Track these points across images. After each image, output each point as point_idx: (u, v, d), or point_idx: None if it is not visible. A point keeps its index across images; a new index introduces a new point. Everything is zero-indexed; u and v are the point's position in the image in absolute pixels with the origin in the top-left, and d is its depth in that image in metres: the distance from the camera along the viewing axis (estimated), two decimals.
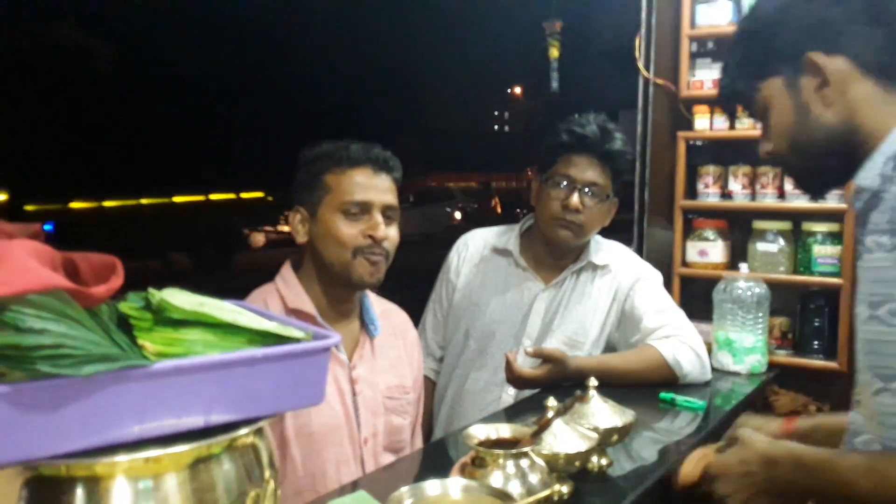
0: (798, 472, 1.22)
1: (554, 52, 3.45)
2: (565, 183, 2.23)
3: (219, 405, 0.87)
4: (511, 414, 1.97)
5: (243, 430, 0.90)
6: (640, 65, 3.08)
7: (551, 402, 1.48)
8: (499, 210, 20.35)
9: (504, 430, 1.41)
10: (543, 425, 1.43)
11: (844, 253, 2.70)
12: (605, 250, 2.39)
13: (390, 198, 1.80)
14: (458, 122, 25.78)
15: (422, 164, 25.35)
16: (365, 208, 1.76)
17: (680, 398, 2.10)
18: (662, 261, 2.89)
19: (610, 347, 2.37)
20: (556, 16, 3.39)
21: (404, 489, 1.16)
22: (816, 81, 1.19)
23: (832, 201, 2.74)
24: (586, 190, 2.22)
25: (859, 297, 1.18)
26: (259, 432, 0.95)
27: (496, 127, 30.68)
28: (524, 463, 1.31)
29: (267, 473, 0.95)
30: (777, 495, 1.26)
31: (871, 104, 1.17)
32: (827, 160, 1.22)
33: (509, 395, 2.26)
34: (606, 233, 2.40)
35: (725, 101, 1.39)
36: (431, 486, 1.17)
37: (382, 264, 1.80)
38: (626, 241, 2.69)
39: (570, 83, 3.59)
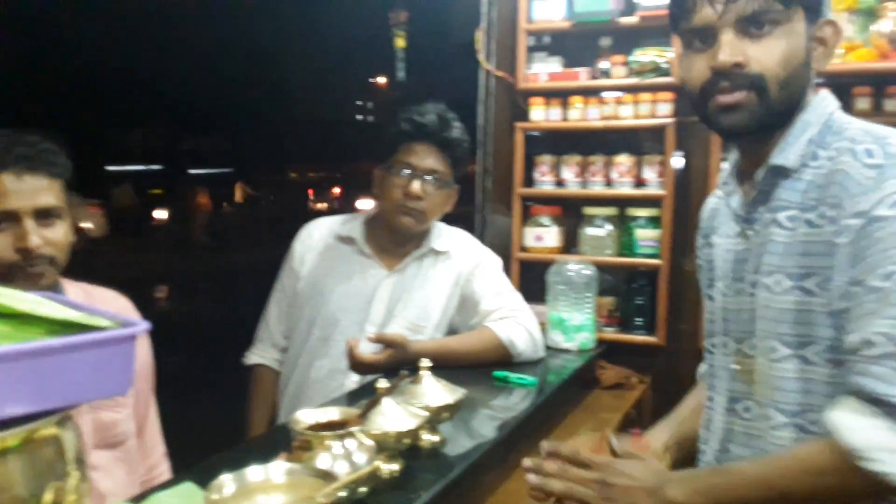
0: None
1: (400, 42, 3.48)
2: (406, 171, 2.25)
3: (13, 398, 0.83)
4: (352, 399, 1.98)
5: (41, 422, 0.87)
6: (482, 57, 3.15)
7: (381, 383, 1.50)
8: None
9: (333, 414, 1.42)
10: (370, 405, 1.45)
11: (663, 236, 2.89)
12: (446, 237, 2.43)
13: (45, 198, 1.54)
14: (319, 111, 25.37)
15: (282, 155, 24.84)
16: (11, 217, 1.51)
17: (513, 376, 2.18)
18: (502, 246, 2.98)
19: (452, 330, 2.41)
20: (402, 6, 3.41)
21: (226, 476, 1.15)
22: (821, 40, 1.18)
23: (652, 188, 2.92)
24: (427, 177, 2.25)
25: (766, 269, 1.19)
26: (63, 423, 0.92)
27: (359, 116, 30.47)
28: (350, 444, 1.32)
29: (70, 467, 0.92)
30: None
31: (809, 86, 1.21)
32: (784, 110, 1.18)
33: (353, 381, 2.26)
34: (451, 219, 2.45)
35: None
36: (254, 472, 1.17)
37: (47, 273, 1.56)
38: (469, 228, 2.75)
39: (423, 72, 3.62)
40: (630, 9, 2.96)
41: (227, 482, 1.14)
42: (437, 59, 3.65)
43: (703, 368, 1.55)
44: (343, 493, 1.21)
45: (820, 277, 1.13)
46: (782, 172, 1.20)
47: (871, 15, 2.61)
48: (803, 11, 1.14)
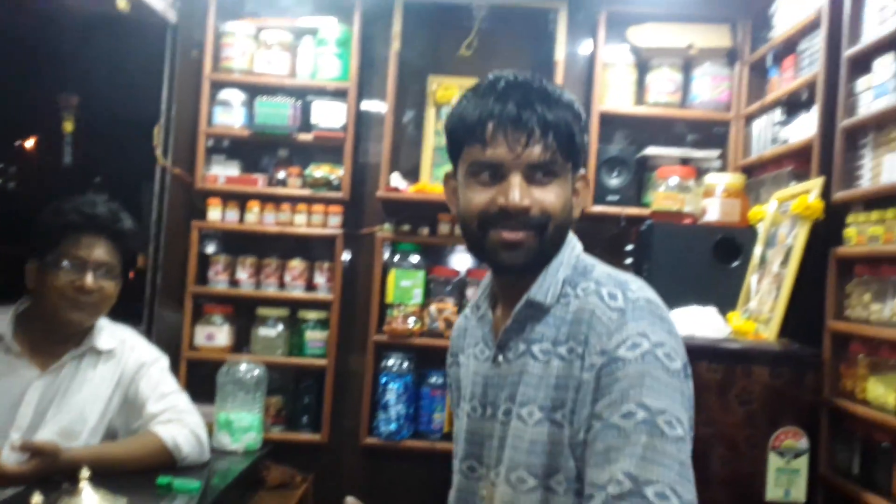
0: None
1: (68, 126, 3.31)
2: (75, 263, 2.11)
3: None
4: None
5: None
6: (159, 153, 3.11)
7: (36, 498, 1.39)
8: None
9: None
10: None
11: (330, 337, 3.03)
12: (109, 334, 2.30)
13: None
14: None
15: None
16: None
17: (177, 481, 2.10)
18: (172, 343, 2.89)
19: (111, 433, 2.27)
20: (74, 90, 3.26)
21: None
22: (579, 190, 1.25)
23: (322, 292, 3.07)
24: (99, 270, 2.14)
25: (521, 399, 1.20)
26: None
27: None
28: None
29: None
30: None
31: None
32: (553, 249, 1.23)
33: None
34: (117, 314, 2.33)
35: (526, 142, 1.19)
36: None
37: None
38: (137, 324, 2.64)
39: (90, 157, 3.45)
40: (307, 127, 3.15)
41: None
42: (111, 146, 3.51)
43: (451, 496, 1.42)
44: None
45: (567, 410, 1.15)
46: (538, 307, 1.22)
47: None
48: (571, 165, 1.22)
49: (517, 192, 1.16)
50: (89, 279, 2.10)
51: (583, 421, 1.12)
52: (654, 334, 1.10)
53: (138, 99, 3.27)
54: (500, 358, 1.26)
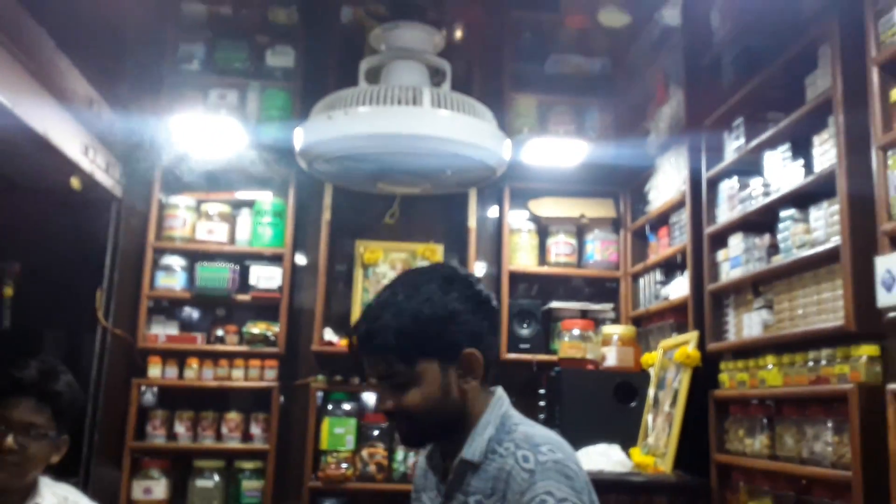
0: None
1: (8, 292, 3.39)
2: (1, 425, 2.15)
3: None
4: None
5: None
6: (100, 315, 3.23)
7: None
8: None
9: None
10: None
11: (266, 486, 3.12)
12: (52, 493, 2.32)
13: None
14: None
15: None
16: None
17: None
18: (109, 499, 2.91)
19: None
20: (16, 257, 3.39)
21: None
22: (464, 371, 1.37)
23: (258, 442, 3.18)
24: (24, 431, 2.17)
25: None
26: None
27: None
28: None
29: None
30: None
31: (476, 394, 1.39)
32: (443, 427, 1.38)
33: None
34: (56, 471, 2.35)
35: (366, 356, 1.39)
36: None
37: None
38: (73, 480, 2.65)
39: (30, 320, 3.51)
40: (245, 288, 3.36)
41: None
42: (52, 309, 3.57)
43: None
44: None
45: None
46: (470, 465, 1.35)
47: None
48: (436, 361, 1.35)
49: (377, 400, 1.43)
50: (9, 440, 2.12)
51: None
52: (559, 491, 1.24)
53: (80, 264, 3.40)
54: None
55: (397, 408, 1.37)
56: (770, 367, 2.14)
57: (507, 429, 1.37)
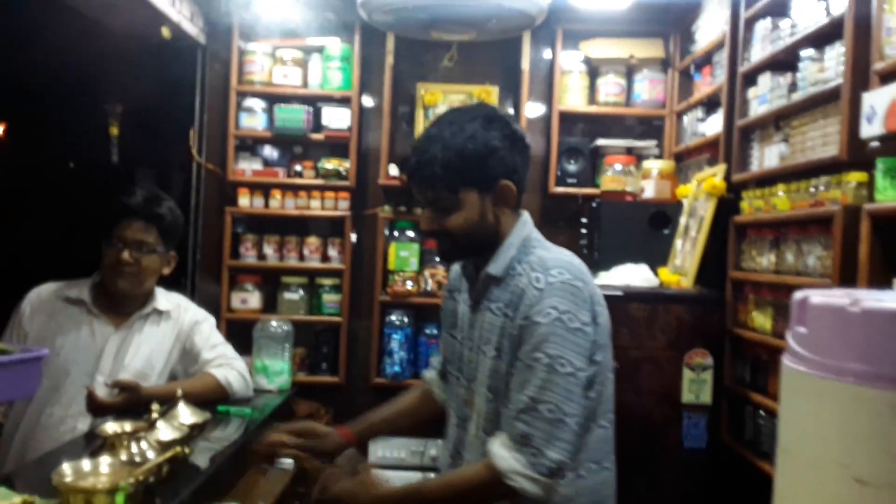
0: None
1: (114, 131, 3.80)
2: (119, 243, 2.48)
3: None
4: (90, 441, 2.16)
5: None
6: (195, 151, 3.63)
7: (155, 405, 1.90)
8: None
9: (126, 426, 1.80)
10: (153, 422, 1.87)
11: (343, 300, 3.58)
12: (166, 299, 2.72)
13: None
14: None
15: None
16: None
17: (234, 409, 2.61)
18: (212, 307, 3.40)
19: (173, 377, 2.72)
20: (119, 100, 3.76)
21: (65, 465, 1.51)
22: (499, 199, 1.55)
23: (335, 262, 3.61)
24: (137, 246, 2.55)
25: (485, 340, 1.57)
26: None
27: None
28: (143, 444, 1.74)
29: None
30: None
31: (507, 219, 1.58)
32: (477, 246, 1.58)
33: (84, 425, 2.39)
34: (168, 284, 2.78)
35: (415, 185, 1.56)
36: (85, 463, 1.55)
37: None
38: (184, 292, 3.12)
39: (139, 156, 3.93)
40: (318, 128, 3.68)
41: (67, 469, 1.51)
42: (151, 146, 3.99)
43: (429, 374, 1.90)
44: (142, 478, 1.62)
45: (504, 350, 1.51)
46: (494, 278, 1.56)
47: None
48: (476, 190, 1.53)
49: (422, 221, 1.61)
50: (125, 254, 2.48)
51: (509, 361, 1.50)
52: (562, 304, 1.44)
53: (173, 106, 3.76)
54: (476, 310, 1.62)
55: (440, 228, 1.56)
56: (780, 194, 2.37)
57: (526, 251, 1.56)
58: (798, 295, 1.00)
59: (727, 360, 2.68)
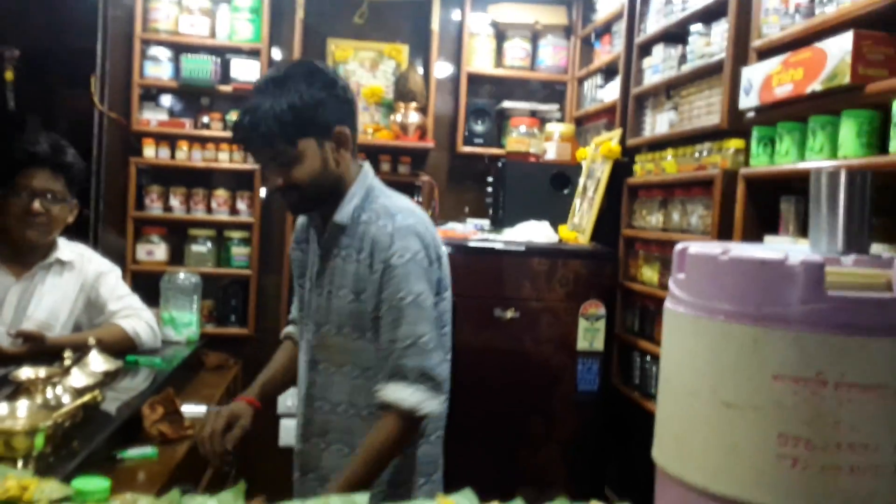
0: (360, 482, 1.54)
1: (9, 76, 3.63)
2: (24, 192, 2.42)
3: None
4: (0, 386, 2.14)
5: None
6: (96, 99, 3.51)
7: (67, 353, 1.90)
8: None
9: (41, 372, 1.81)
10: (66, 368, 1.88)
11: (252, 253, 3.59)
12: (69, 249, 2.67)
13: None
14: None
15: None
16: None
17: (143, 359, 2.62)
18: (116, 259, 3.34)
19: (77, 328, 2.68)
20: (14, 44, 3.58)
21: None
22: (336, 144, 1.62)
23: (244, 216, 3.61)
24: (46, 196, 2.49)
25: (336, 285, 1.65)
26: None
27: None
28: (59, 389, 1.76)
29: None
30: None
31: (348, 164, 1.66)
32: (325, 194, 1.64)
33: None
34: (71, 234, 2.71)
35: (254, 146, 1.61)
36: (1, 407, 1.56)
37: None
38: (87, 243, 3.04)
39: (34, 102, 3.77)
40: (227, 80, 3.62)
41: None
42: (49, 93, 3.82)
43: (290, 329, 1.99)
44: (61, 420, 1.64)
45: (365, 293, 1.62)
46: (340, 227, 1.66)
47: (390, 108, 3.68)
48: (314, 138, 1.59)
49: (265, 180, 1.74)
50: (36, 204, 2.43)
51: (374, 304, 1.60)
52: (414, 245, 1.58)
53: (73, 52, 3.61)
54: (325, 257, 1.71)
55: (286, 183, 1.60)
56: (669, 158, 2.55)
57: (370, 199, 1.66)
58: (679, 246, 1.14)
59: (618, 311, 2.89)
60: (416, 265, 1.59)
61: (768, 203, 2.00)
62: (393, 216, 1.62)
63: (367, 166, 1.72)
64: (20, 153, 2.43)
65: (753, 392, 1.01)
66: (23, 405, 1.60)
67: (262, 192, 3.66)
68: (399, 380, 1.58)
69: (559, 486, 2.63)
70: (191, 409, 2.36)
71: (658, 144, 2.75)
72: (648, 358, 2.66)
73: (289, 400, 3.64)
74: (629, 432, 2.80)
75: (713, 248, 1.09)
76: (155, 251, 3.53)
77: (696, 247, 1.13)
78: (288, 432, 3.52)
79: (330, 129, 1.61)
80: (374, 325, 1.63)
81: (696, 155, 2.38)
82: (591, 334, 2.77)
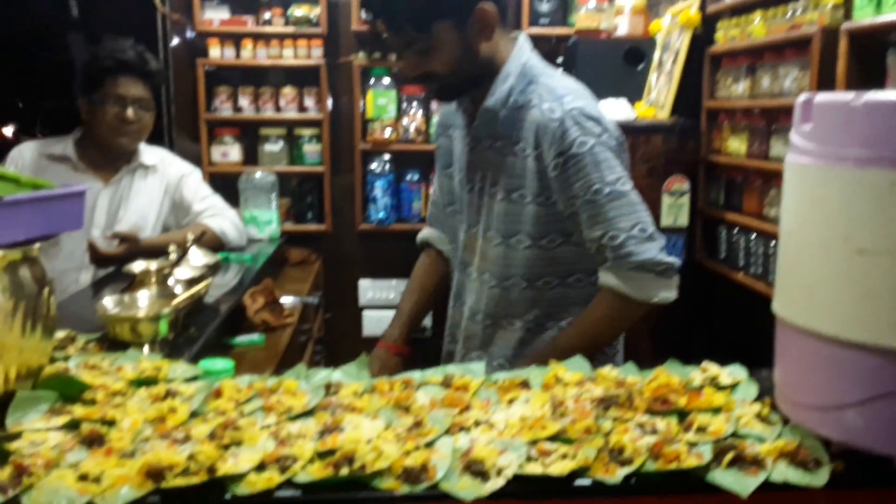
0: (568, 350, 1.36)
1: None
2: (117, 100, 2.49)
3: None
4: (98, 290, 2.25)
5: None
6: (158, 2, 3.49)
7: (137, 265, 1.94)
8: None
9: (153, 265, 1.88)
10: (175, 262, 1.95)
11: (323, 149, 3.61)
12: (151, 153, 2.73)
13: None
14: None
15: None
16: None
17: (233, 255, 2.70)
18: (194, 161, 3.40)
19: (166, 229, 2.77)
20: None
21: (107, 299, 1.60)
22: (479, 25, 1.40)
23: (312, 113, 3.60)
24: (136, 104, 2.55)
25: (490, 181, 1.48)
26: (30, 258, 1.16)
27: None
28: (171, 281, 1.84)
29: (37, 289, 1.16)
30: None
31: (497, 46, 1.44)
32: (470, 80, 1.44)
33: (87, 277, 2.50)
34: (148, 139, 2.75)
35: (390, 36, 1.42)
36: (124, 297, 1.64)
37: None
38: (163, 146, 3.10)
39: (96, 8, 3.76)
40: None
41: (108, 302, 1.60)
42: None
43: (427, 233, 1.77)
44: (181, 306, 1.72)
45: (522, 192, 1.42)
46: (492, 112, 1.44)
47: None
48: (450, 23, 1.39)
49: (403, 67, 1.46)
50: (130, 112, 2.50)
51: (562, 203, 1.40)
52: (594, 129, 1.35)
53: None
54: (474, 146, 1.52)
55: (424, 72, 1.43)
56: (757, 21, 2.43)
57: (528, 79, 1.43)
58: (801, 97, 1.10)
59: (701, 185, 2.84)
60: (604, 148, 1.37)
61: (873, 59, 1.90)
62: (560, 98, 1.39)
63: (523, 39, 1.48)
64: (109, 61, 2.46)
65: (889, 237, 0.99)
66: (143, 295, 1.68)
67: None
68: (624, 274, 1.41)
69: (646, 360, 2.66)
70: (286, 300, 2.45)
71: (743, 8, 2.61)
72: (736, 230, 2.62)
73: (369, 292, 3.74)
74: (714, 303, 2.80)
75: (841, 96, 1.05)
76: (229, 152, 3.58)
77: (824, 96, 1.09)
78: (372, 322, 3.64)
79: (470, 7, 1.38)
80: (531, 229, 1.46)
81: (788, 15, 2.26)
82: (675, 210, 2.74)
